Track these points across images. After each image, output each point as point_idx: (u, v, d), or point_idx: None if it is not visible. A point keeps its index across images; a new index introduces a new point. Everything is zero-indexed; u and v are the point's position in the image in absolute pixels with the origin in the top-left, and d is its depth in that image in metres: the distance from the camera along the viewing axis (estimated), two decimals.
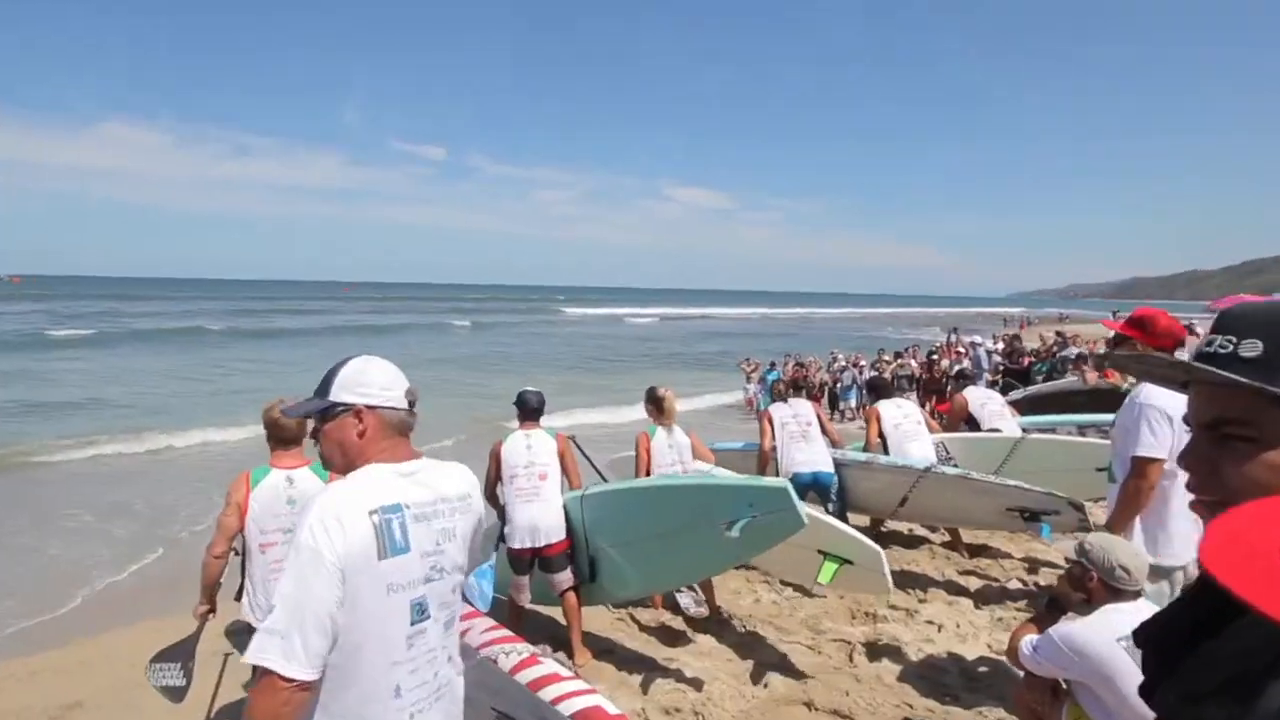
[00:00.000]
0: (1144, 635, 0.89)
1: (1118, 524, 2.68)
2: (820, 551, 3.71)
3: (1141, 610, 2.29)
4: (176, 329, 34.90)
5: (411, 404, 1.59)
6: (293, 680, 1.28)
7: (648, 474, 4.38)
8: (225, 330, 35.68)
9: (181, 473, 9.71)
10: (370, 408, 1.52)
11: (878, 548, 3.71)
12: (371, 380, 1.55)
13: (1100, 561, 2.30)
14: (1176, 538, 2.71)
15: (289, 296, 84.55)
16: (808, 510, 3.31)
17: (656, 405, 4.53)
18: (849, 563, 3.66)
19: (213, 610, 3.06)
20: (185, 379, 19.32)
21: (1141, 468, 2.61)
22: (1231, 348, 0.75)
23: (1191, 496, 2.80)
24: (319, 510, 1.38)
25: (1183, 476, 2.68)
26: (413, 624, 1.44)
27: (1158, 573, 2.59)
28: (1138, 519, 2.70)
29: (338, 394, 1.54)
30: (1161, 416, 2.57)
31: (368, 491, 1.43)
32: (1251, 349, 0.73)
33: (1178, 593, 2.88)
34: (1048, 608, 2.59)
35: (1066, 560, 2.48)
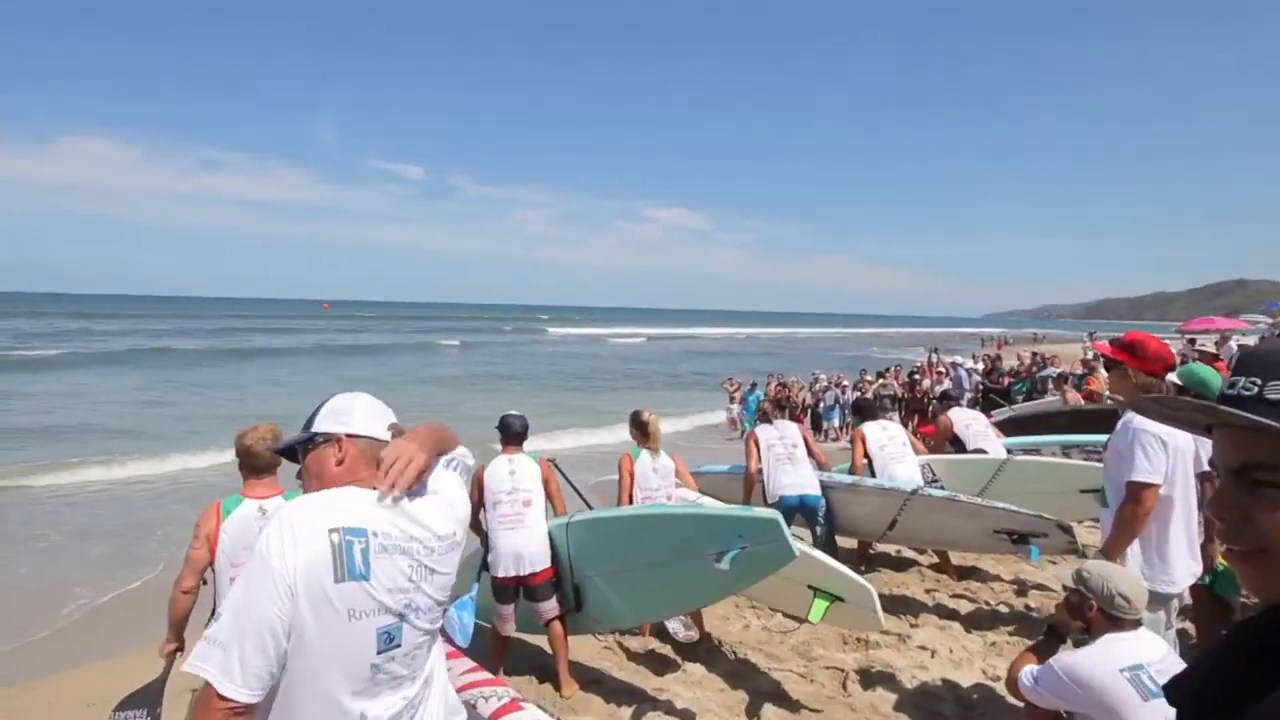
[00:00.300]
0: (1178, 692, 0.85)
1: (1114, 550, 2.65)
2: (810, 587, 3.65)
3: (1142, 639, 2.26)
4: (150, 349, 34.01)
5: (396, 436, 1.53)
6: (228, 700, 1.20)
7: (630, 497, 4.30)
8: (202, 350, 34.86)
9: (153, 500, 9.44)
10: (351, 436, 1.48)
11: (868, 585, 3.65)
12: (354, 410, 1.52)
13: (1099, 589, 2.26)
14: (1173, 564, 2.68)
15: (266, 315, 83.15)
16: (799, 544, 3.25)
17: (640, 429, 4.46)
18: (839, 599, 3.60)
19: (181, 648, 2.92)
20: (158, 402, 18.84)
21: (1137, 493, 2.58)
22: (1256, 390, 0.72)
23: (1184, 519, 2.73)
24: (278, 520, 1.32)
25: (1181, 503, 2.64)
26: (379, 652, 1.37)
27: (1155, 600, 2.55)
28: (1134, 544, 2.67)
29: (320, 424, 1.50)
30: (1156, 441, 2.56)
31: (333, 509, 1.36)
32: (1278, 391, 0.70)
33: (1174, 621, 2.85)
34: (1046, 636, 2.54)
35: (1064, 587, 2.43)
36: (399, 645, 1.39)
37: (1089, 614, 2.30)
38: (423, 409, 16.14)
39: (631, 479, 4.30)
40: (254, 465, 2.94)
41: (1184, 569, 2.69)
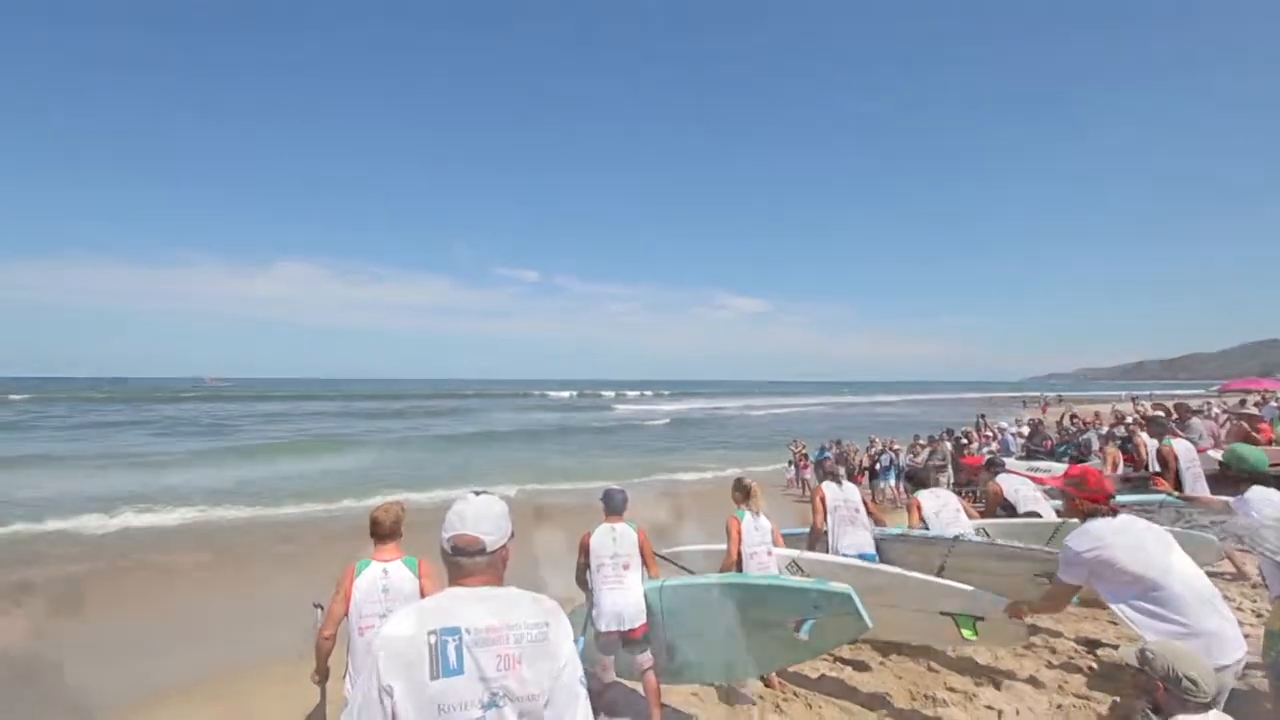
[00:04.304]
0: None
1: None
2: (944, 614, 3.32)
3: None
4: (399, 436, 29.39)
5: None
6: None
7: (738, 553, 4.18)
8: (430, 436, 29.90)
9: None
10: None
11: (996, 596, 3.29)
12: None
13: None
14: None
15: (417, 395, 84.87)
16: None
17: (744, 493, 4.40)
18: (980, 619, 3.27)
19: (326, 677, 3.08)
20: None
21: None
22: None
23: None
24: (390, 625, 1.33)
25: None
26: None
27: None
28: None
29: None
30: None
31: (433, 612, 1.35)
32: None
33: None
34: (1111, 712, 2.22)
35: (1128, 667, 2.13)
36: None
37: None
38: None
39: (740, 536, 4.20)
40: (378, 533, 3.09)
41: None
